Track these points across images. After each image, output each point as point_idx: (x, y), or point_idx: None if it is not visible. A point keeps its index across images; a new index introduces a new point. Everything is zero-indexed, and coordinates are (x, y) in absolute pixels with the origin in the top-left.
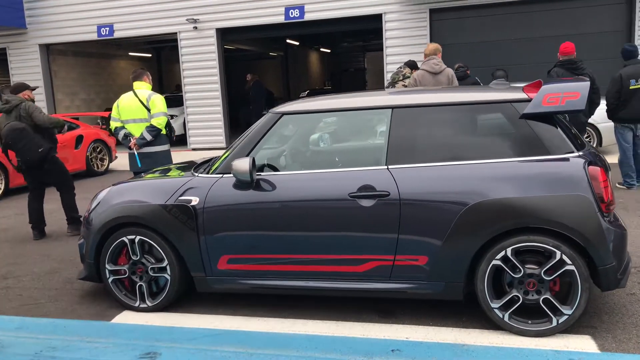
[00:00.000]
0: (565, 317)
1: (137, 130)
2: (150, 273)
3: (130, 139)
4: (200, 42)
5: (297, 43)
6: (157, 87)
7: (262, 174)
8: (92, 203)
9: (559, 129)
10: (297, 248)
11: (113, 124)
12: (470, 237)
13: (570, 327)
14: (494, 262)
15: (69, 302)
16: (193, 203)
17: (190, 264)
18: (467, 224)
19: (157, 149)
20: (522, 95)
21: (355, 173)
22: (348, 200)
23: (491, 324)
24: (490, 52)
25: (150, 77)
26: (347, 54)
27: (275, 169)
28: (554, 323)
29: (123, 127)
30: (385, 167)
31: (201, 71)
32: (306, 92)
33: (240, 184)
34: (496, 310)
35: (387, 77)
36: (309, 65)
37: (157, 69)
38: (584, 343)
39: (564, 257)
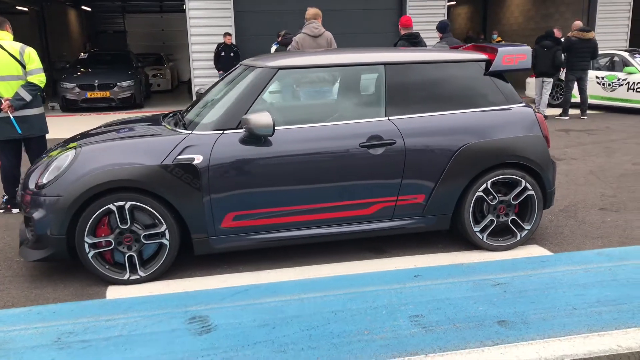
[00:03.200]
0: (526, 231)
1: (7, 89)
2: (143, 241)
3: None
4: None
5: None
6: None
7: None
8: (46, 172)
9: (509, 84)
10: (309, 198)
11: None
12: (462, 174)
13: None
14: (477, 193)
15: (22, 289)
16: (196, 161)
17: (192, 225)
18: (459, 163)
19: (34, 112)
20: (483, 56)
21: (360, 124)
22: (359, 149)
23: (465, 246)
24: (289, 20)
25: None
26: (106, 14)
27: None
28: (518, 238)
29: None
30: (386, 118)
31: None
32: (86, 55)
33: (249, 139)
34: (477, 233)
35: (192, 40)
36: (69, 25)
37: None
38: (539, 250)
39: (527, 185)
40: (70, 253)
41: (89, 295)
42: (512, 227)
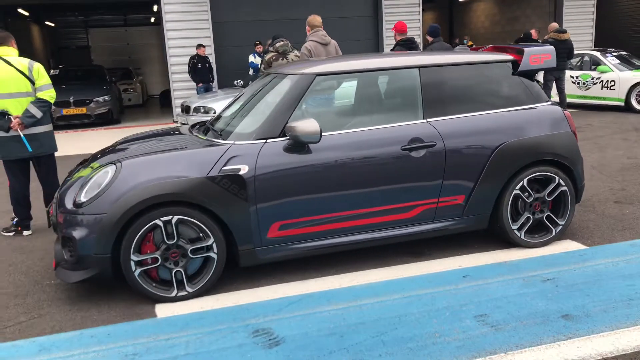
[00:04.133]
0: (560, 226)
1: (16, 106)
2: (190, 255)
3: (9, 117)
4: None
5: (27, 13)
6: None
7: None
8: (84, 190)
9: (535, 83)
10: (354, 204)
11: None
12: (500, 173)
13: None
14: (515, 191)
15: (65, 312)
16: (242, 172)
17: (239, 237)
18: (497, 162)
19: (44, 129)
20: (510, 57)
21: (400, 128)
22: (401, 152)
23: (500, 244)
24: (263, 29)
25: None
26: (69, 30)
27: None
28: (553, 233)
29: None
30: (424, 120)
31: None
32: (57, 71)
33: (294, 147)
34: (515, 231)
35: (170, 52)
36: (32, 41)
37: None
38: (573, 244)
39: (560, 181)
40: (114, 272)
41: (138, 314)
42: (547, 223)
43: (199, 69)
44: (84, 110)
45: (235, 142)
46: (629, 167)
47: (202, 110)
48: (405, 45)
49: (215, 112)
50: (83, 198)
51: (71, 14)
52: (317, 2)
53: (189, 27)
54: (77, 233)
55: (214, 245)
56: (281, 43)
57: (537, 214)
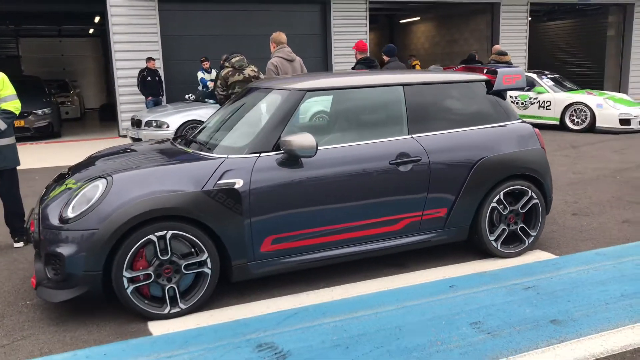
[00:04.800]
0: (532, 237)
1: None
2: (184, 271)
3: None
4: None
5: None
6: None
7: None
8: (70, 205)
9: (508, 101)
10: (345, 217)
11: None
12: (479, 187)
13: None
14: (492, 204)
15: (51, 334)
16: (237, 185)
17: (233, 252)
18: (477, 177)
19: (6, 142)
20: (485, 77)
21: (388, 143)
22: (389, 167)
23: (475, 255)
24: (213, 44)
25: None
26: None
27: None
28: (526, 244)
29: None
30: (410, 136)
31: None
32: None
33: (287, 161)
34: (492, 242)
35: (117, 65)
36: None
37: None
38: (544, 254)
39: (533, 194)
40: (104, 290)
41: (131, 333)
42: (521, 234)
43: (148, 82)
44: (22, 123)
45: (229, 156)
46: (576, 182)
47: (155, 124)
48: (365, 63)
49: (168, 127)
50: (70, 213)
51: (1, 22)
52: (266, 19)
53: (137, 40)
54: (65, 250)
55: (208, 261)
56: (237, 58)
57: (511, 226)
